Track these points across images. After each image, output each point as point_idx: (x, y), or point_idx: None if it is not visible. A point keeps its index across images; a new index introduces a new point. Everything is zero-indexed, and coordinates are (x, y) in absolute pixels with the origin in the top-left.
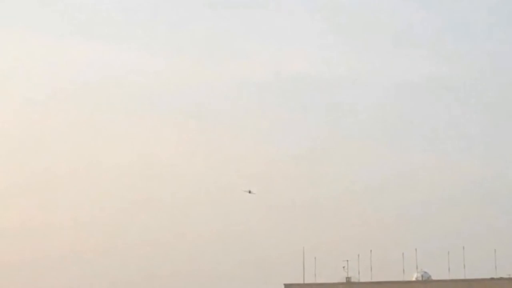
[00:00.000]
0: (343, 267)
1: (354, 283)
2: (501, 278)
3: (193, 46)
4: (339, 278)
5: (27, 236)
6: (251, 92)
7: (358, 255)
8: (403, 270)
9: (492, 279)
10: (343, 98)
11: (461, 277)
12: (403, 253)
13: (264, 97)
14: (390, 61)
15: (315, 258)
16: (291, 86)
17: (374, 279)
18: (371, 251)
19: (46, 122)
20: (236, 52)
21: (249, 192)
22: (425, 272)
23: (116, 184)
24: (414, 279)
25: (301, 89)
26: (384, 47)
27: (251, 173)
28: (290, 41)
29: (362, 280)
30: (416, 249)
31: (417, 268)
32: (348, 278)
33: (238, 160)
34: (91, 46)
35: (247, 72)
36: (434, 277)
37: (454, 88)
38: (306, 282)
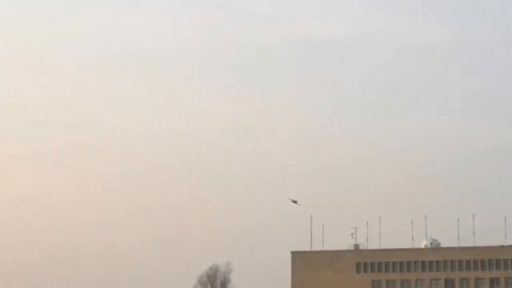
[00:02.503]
0: (351, 234)
1: (363, 250)
2: (510, 246)
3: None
4: (347, 245)
5: None
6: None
7: (367, 222)
8: (412, 238)
9: (501, 246)
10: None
11: (470, 244)
12: (412, 220)
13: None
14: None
15: (323, 225)
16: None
17: (383, 247)
18: (379, 218)
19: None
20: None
21: (294, 202)
22: (434, 240)
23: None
24: (423, 246)
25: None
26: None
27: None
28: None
29: (371, 247)
30: (425, 216)
31: (426, 235)
32: (356, 245)
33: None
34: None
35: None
36: (443, 245)
37: None
38: (313, 249)
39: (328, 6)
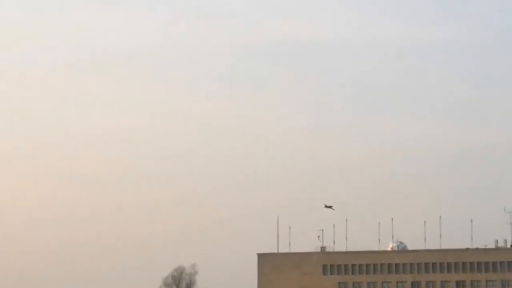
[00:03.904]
0: (318, 236)
1: (329, 252)
2: (476, 249)
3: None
4: (314, 247)
5: None
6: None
7: (334, 225)
8: (379, 240)
9: (467, 249)
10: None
11: (437, 247)
12: (379, 223)
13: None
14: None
15: (289, 227)
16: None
17: (350, 249)
18: (346, 220)
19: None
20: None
21: (329, 207)
22: (401, 242)
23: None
24: (389, 248)
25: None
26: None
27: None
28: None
29: (337, 249)
30: (392, 219)
31: (393, 238)
32: (323, 248)
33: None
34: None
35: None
36: (409, 247)
37: None
38: (280, 251)
39: (323, 8)
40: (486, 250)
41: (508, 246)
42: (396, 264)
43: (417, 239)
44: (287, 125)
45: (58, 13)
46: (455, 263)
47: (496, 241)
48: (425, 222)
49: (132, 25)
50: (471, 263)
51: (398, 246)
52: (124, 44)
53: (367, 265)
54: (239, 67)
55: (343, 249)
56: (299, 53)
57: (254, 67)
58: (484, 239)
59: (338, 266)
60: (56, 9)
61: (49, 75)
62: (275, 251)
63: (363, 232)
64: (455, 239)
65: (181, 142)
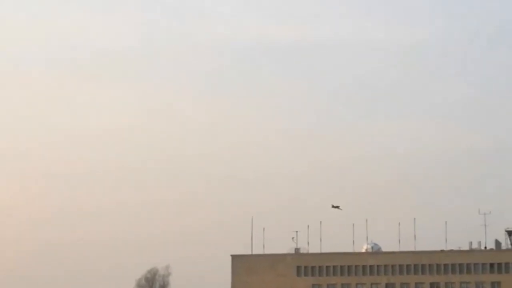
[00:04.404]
0: (292, 238)
1: (303, 254)
2: (451, 251)
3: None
4: (288, 249)
5: None
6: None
7: (308, 226)
8: (353, 242)
9: (442, 251)
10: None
11: (411, 249)
12: (353, 224)
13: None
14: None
15: (263, 229)
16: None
17: (324, 250)
18: (320, 222)
19: None
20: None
21: (336, 207)
22: (375, 244)
23: None
24: (364, 250)
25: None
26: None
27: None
28: None
29: (312, 251)
30: (366, 220)
31: (367, 239)
32: (297, 249)
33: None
34: None
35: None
36: (384, 249)
37: None
38: (254, 253)
39: (319, 9)
40: (460, 252)
41: (483, 248)
42: (371, 266)
43: (391, 241)
44: (272, 127)
45: (48, 14)
46: (429, 265)
47: (471, 243)
48: (399, 223)
49: (123, 26)
50: (445, 265)
51: (372, 247)
52: (113, 45)
53: (341, 266)
54: (234, 68)
55: (317, 251)
56: (295, 54)
57: (249, 67)
58: (459, 241)
59: (312, 267)
60: (45, 10)
61: (41, 75)
62: (249, 252)
63: (338, 234)
64: (430, 241)
65: (160, 144)
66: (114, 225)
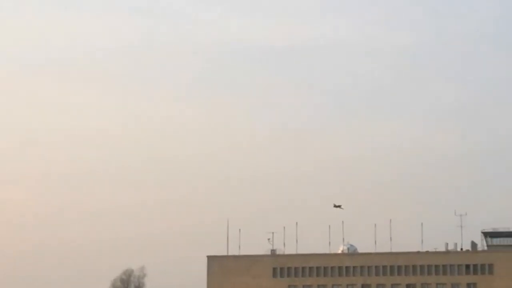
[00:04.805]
0: (268, 239)
1: (279, 255)
2: (427, 252)
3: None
4: (264, 250)
5: None
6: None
7: (284, 227)
8: (329, 243)
9: (418, 252)
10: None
11: (387, 250)
12: (329, 226)
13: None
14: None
15: (239, 230)
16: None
17: (300, 251)
18: (297, 223)
19: None
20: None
21: (338, 206)
22: (351, 245)
23: None
24: (340, 251)
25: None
26: None
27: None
28: None
29: (288, 252)
30: (342, 222)
31: (343, 240)
32: (273, 251)
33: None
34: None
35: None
36: (360, 250)
37: None
38: (229, 254)
39: (311, 10)
40: (436, 253)
41: (459, 249)
42: (347, 267)
43: (367, 242)
44: (251, 130)
45: (42, 15)
46: (406, 266)
47: (447, 244)
48: (375, 225)
49: (112, 28)
50: (421, 266)
51: (348, 249)
52: (99, 46)
53: (317, 268)
54: (223, 70)
55: (293, 252)
56: (288, 55)
57: (243, 68)
58: (435, 242)
59: (288, 269)
60: (39, 12)
61: (37, 75)
62: (224, 253)
63: (314, 235)
64: (406, 242)
65: (139, 147)
66: (90, 226)
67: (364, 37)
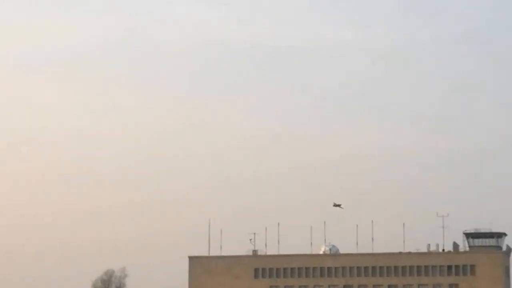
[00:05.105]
0: (250, 239)
1: (261, 255)
2: (409, 253)
3: None
4: (246, 250)
5: None
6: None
7: (266, 228)
8: (311, 244)
9: (400, 253)
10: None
11: (369, 251)
12: (311, 226)
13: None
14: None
15: (221, 230)
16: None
17: (282, 252)
18: (278, 224)
19: None
20: None
21: (338, 205)
22: (333, 246)
23: None
24: (321, 252)
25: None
26: None
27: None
28: None
29: (269, 252)
30: (324, 222)
31: (325, 241)
32: (254, 251)
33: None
34: None
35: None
36: (342, 251)
37: None
38: (211, 254)
39: (299, 12)
40: (418, 254)
41: (440, 250)
42: (328, 268)
43: (349, 243)
44: (235, 129)
45: (18, 16)
46: (387, 267)
47: (428, 245)
48: (357, 225)
49: (108, 27)
50: (403, 267)
51: (330, 249)
52: (98, 45)
53: (299, 268)
54: (213, 69)
55: (275, 253)
56: (287, 55)
57: (231, 69)
58: (417, 243)
59: (270, 269)
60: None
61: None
62: (206, 254)
63: (295, 236)
64: (388, 243)
65: (119, 148)
66: (71, 227)
67: (362, 37)
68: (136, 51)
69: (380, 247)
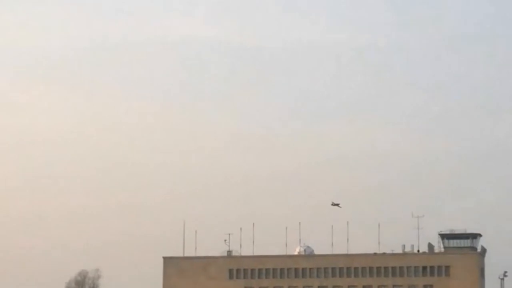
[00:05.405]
0: (225, 240)
1: (236, 256)
2: (384, 254)
3: None
4: (221, 251)
5: None
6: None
7: (241, 229)
8: (286, 244)
9: (375, 254)
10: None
11: (344, 252)
12: (286, 227)
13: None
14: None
15: (195, 231)
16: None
17: (256, 253)
18: (253, 224)
19: None
20: None
21: (336, 204)
22: (308, 247)
23: None
24: (296, 253)
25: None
26: None
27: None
28: None
29: (244, 253)
30: (299, 223)
31: (300, 242)
32: (229, 252)
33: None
34: None
35: None
36: (316, 252)
37: None
38: (186, 255)
39: (269, 14)
40: (393, 255)
41: (415, 251)
42: (303, 269)
43: (324, 244)
44: (210, 131)
45: None
46: (362, 268)
47: (403, 246)
48: (332, 226)
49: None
50: (378, 267)
51: (305, 250)
52: (70, 45)
53: (274, 269)
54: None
55: (250, 253)
56: (256, 58)
57: (199, 70)
58: (392, 244)
59: (245, 270)
60: None
61: None
62: (181, 255)
63: (270, 236)
64: (363, 244)
65: (92, 149)
66: (46, 228)
67: (349, 39)
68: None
69: (355, 248)
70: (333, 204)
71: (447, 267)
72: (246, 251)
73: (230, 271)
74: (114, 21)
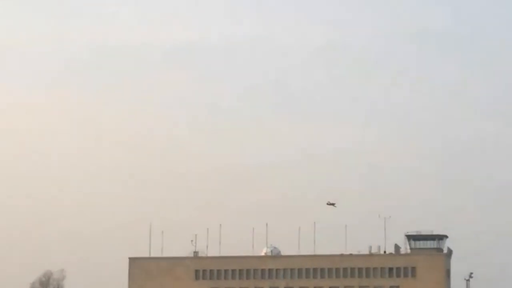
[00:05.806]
0: (191, 241)
1: (202, 257)
2: (350, 255)
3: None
4: (187, 252)
5: None
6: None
7: (207, 229)
8: (253, 245)
9: (341, 255)
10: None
11: (311, 252)
12: (253, 228)
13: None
14: None
15: (162, 232)
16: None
17: (223, 254)
18: (220, 225)
19: None
20: None
21: (332, 204)
22: (275, 248)
23: None
24: (263, 254)
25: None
26: None
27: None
28: None
29: (210, 254)
30: (266, 224)
31: (267, 243)
32: (195, 253)
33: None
34: None
35: None
36: (283, 253)
37: None
38: (152, 256)
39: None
40: (359, 256)
41: (382, 252)
42: (270, 270)
43: (291, 245)
44: (171, 128)
45: None
46: (329, 269)
47: (370, 247)
48: (299, 227)
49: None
50: (344, 269)
51: (271, 251)
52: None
53: (240, 270)
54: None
55: (216, 254)
56: (214, 54)
57: (158, 68)
58: (358, 245)
59: (211, 271)
60: None
61: None
62: (147, 255)
63: (237, 237)
64: (329, 245)
65: (49, 145)
66: (9, 227)
67: (309, 34)
68: None
69: (321, 249)
70: (329, 204)
71: (413, 268)
72: (213, 252)
73: (197, 272)
74: (126, 27)
